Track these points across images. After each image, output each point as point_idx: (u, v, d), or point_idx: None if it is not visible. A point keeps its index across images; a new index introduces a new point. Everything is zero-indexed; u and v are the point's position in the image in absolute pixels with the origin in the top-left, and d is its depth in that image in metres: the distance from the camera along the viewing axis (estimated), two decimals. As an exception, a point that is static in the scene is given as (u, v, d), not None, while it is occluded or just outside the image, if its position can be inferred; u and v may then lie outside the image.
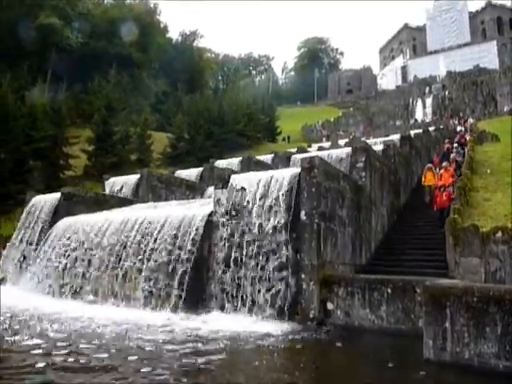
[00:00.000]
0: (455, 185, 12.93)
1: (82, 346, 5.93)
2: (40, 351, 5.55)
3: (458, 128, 32.39)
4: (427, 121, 53.81)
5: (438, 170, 16.77)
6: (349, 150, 14.61)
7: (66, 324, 7.57)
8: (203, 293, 9.30)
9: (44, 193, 16.34)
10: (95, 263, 11.02)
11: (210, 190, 15.20)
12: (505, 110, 50.15)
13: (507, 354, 4.93)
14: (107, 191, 17.49)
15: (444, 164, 14.64)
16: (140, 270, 10.08)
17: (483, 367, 5.07)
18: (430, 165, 16.13)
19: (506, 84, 56.31)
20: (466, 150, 19.04)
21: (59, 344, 5.97)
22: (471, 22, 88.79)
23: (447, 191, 12.54)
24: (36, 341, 6.10)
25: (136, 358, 5.42)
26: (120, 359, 5.41)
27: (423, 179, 15.54)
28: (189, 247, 9.63)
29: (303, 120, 65.75)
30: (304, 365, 5.71)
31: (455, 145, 20.15)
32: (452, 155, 17.05)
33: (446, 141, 22.13)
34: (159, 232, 10.22)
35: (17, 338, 6.28)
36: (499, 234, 8.25)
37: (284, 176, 9.39)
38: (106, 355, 5.49)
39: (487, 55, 79.97)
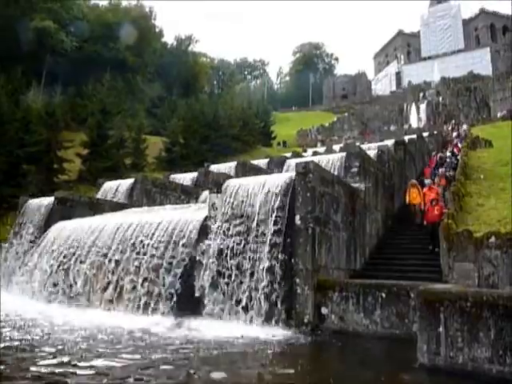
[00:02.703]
0: (446, 198, 12.28)
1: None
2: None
3: (454, 134, 32.15)
4: (421, 126, 54.10)
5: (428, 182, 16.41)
6: (343, 155, 14.66)
7: (41, 332, 7.32)
8: (196, 298, 9.26)
9: (38, 197, 16.26)
10: (88, 268, 10.96)
11: (205, 194, 15.17)
12: (498, 115, 50.56)
13: (500, 359, 4.94)
14: (101, 195, 17.42)
15: (427, 181, 13.66)
16: (133, 274, 10.04)
17: (477, 372, 5.09)
18: (414, 181, 14.51)
19: (500, 90, 56.83)
20: (459, 161, 17.73)
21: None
22: (465, 28, 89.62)
23: (439, 205, 11.80)
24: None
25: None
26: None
27: (407, 197, 13.92)
28: (183, 252, 9.62)
29: (298, 125, 65.93)
30: (297, 370, 5.70)
31: (448, 154, 19.04)
32: (441, 170, 15.39)
33: (434, 153, 20.53)
34: (153, 236, 10.20)
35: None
36: (492, 239, 8.28)
37: (279, 181, 9.40)
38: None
39: (481, 62, 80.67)
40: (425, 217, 12.17)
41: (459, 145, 23.14)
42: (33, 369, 4.90)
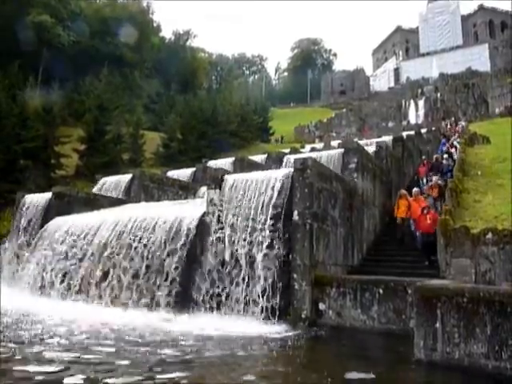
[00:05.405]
0: (440, 206, 11.51)
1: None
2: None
3: (454, 130, 31.77)
4: (419, 122, 54.15)
5: (424, 181, 15.61)
6: (341, 151, 14.65)
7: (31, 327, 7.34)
8: (195, 293, 9.27)
9: (35, 192, 16.22)
10: (86, 263, 10.95)
11: (203, 190, 15.17)
12: (496, 112, 50.62)
13: (496, 355, 4.97)
14: (99, 191, 17.38)
15: (415, 190, 12.82)
16: (131, 270, 10.04)
17: (473, 367, 5.12)
18: (403, 191, 13.14)
19: (498, 86, 56.85)
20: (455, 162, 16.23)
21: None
22: (463, 24, 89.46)
23: (431, 213, 11.06)
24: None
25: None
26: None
27: (395, 210, 12.82)
28: (181, 247, 9.62)
29: (296, 121, 65.89)
30: (294, 366, 5.72)
31: (445, 156, 17.43)
32: (434, 178, 13.98)
33: (423, 157, 18.96)
34: (151, 232, 10.19)
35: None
36: (489, 236, 8.30)
37: (277, 177, 9.40)
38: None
39: (479, 58, 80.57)
40: (417, 226, 11.60)
41: (455, 143, 22.42)
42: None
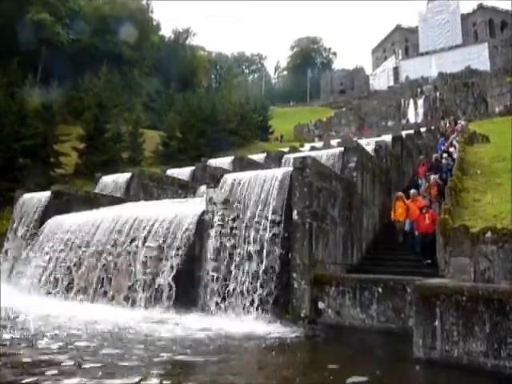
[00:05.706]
0: (440, 206, 11.11)
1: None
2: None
3: (456, 127, 31.47)
4: (419, 122, 54.14)
5: (423, 182, 15.21)
6: (341, 150, 14.65)
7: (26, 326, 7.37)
8: (193, 292, 9.28)
9: (34, 191, 16.19)
10: (85, 262, 10.96)
11: (203, 188, 15.17)
12: (496, 111, 50.61)
13: (495, 353, 4.99)
14: (98, 190, 17.38)
15: (412, 191, 12.67)
16: (130, 269, 10.04)
17: (472, 365, 5.13)
18: (400, 193, 12.88)
19: (497, 86, 56.82)
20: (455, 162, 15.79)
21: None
22: (463, 23, 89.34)
23: (430, 212, 10.93)
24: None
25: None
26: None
27: (392, 212, 12.56)
28: (180, 246, 9.63)
29: (296, 119, 65.80)
30: (294, 365, 5.72)
31: (445, 155, 16.87)
32: (433, 177, 13.51)
33: (422, 157, 18.60)
34: (150, 231, 10.20)
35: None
36: (489, 235, 8.30)
37: (276, 176, 9.40)
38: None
39: (478, 57, 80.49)
40: (416, 227, 11.42)
41: (454, 142, 22.12)
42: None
